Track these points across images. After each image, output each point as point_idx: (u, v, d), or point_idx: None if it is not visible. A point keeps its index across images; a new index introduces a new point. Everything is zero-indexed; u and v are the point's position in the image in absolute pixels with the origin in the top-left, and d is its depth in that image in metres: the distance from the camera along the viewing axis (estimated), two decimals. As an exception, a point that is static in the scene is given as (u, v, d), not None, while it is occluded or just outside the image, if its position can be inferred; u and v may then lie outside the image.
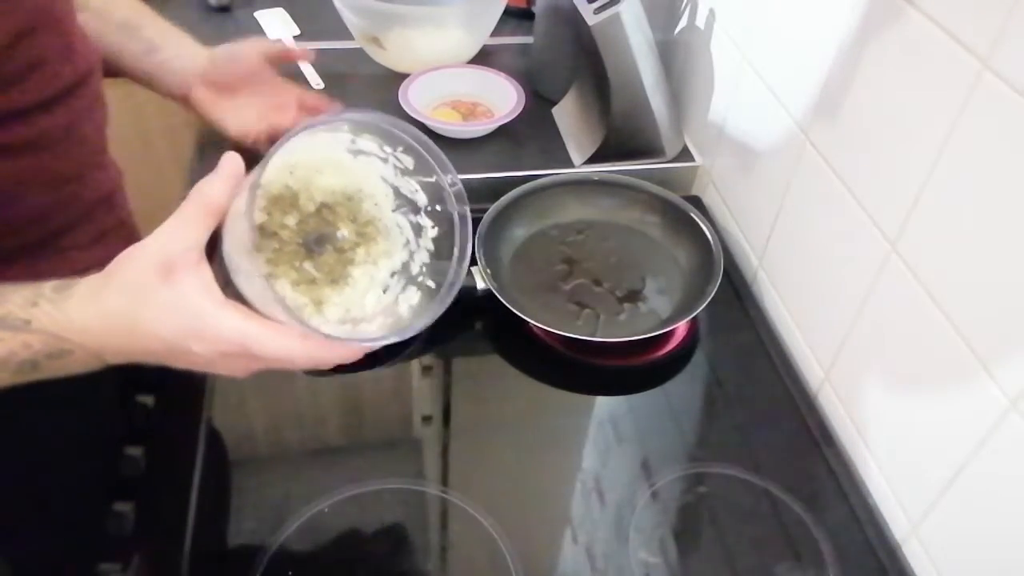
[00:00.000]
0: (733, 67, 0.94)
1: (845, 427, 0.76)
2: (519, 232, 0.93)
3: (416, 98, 1.05)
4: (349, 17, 1.13)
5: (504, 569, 0.65)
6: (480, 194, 0.98)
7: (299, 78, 1.12)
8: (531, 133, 1.07)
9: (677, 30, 1.09)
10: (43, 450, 0.82)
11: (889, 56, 0.67)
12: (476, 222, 0.88)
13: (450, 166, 0.55)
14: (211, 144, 0.96)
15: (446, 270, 0.56)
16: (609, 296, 0.87)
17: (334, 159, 0.54)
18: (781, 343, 0.86)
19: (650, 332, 0.81)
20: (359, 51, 1.17)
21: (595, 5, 0.92)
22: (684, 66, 1.07)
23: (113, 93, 0.82)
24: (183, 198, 0.96)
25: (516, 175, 0.98)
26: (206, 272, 0.50)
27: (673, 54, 1.09)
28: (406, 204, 0.57)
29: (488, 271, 0.83)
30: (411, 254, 0.58)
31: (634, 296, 0.88)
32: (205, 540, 0.65)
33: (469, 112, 1.08)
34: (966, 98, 0.58)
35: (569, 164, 1.03)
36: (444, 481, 0.71)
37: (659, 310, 0.86)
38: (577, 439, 0.77)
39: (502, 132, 1.05)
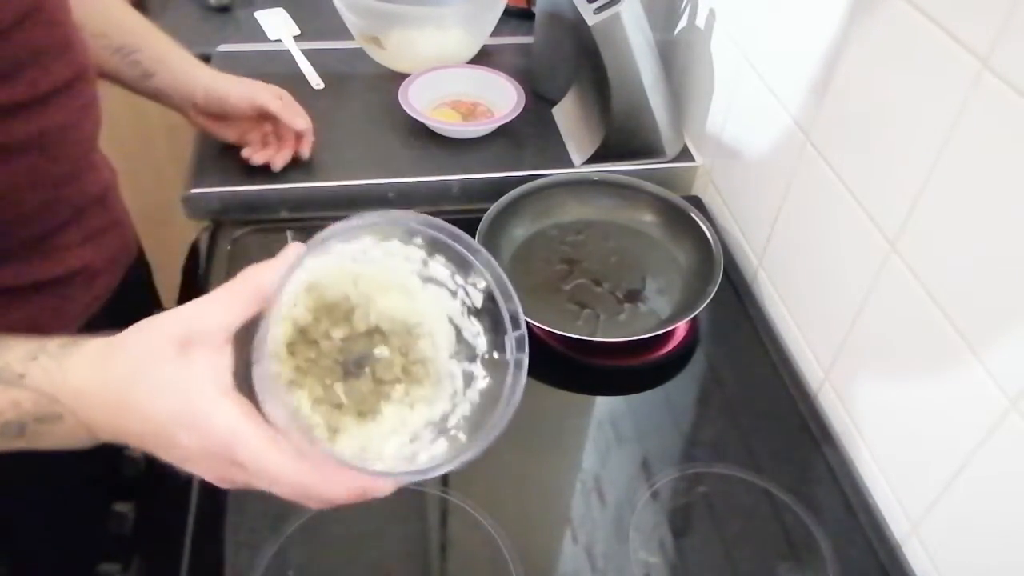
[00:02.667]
0: (733, 67, 0.94)
1: (845, 427, 0.76)
2: (519, 232, 0.93)
3: (416, 98, 1.05)
4: (349, 17, 1.13)
5: (504, 569, 0.65)
6: (480, 194, 0.98)
7: (299, 79, 1.12)
8: (531, 133, 1.07)
9: (677, 30, 1.09)
10: (43, 450, 0.82)
11: (889, 56, 0.67)
12: (476, 222, 0.88)
13: (518, 305, 0.49)
14: (210, 145, 0.97)
15: (483, 421, 0.49)
16: (609, 296, 0.87)
17: (403, 282, 0.49)
18: (781, 343, 0.86)
19: (650, 332, 0.81)
20: (359, 51, 1.17)
21: (595, 5, 0.92)
22: (684, 66, 1.07)
23: (113, 93, 0.83)
24: (183, 198, 0.96)
25: (516, 175, 0.98)
26: (223, 359, 0.46)
27: (673, 54, 1.09)
28: (464, 350, 0.51)
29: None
30: (454, 406, 0.50)
31: (634, 296, 0.88)
32: (205, 540, 0.65)
33: (469, 112, 1.08)
34: (966, 98, 0.58)
35: (569, 164, 1.03)
36: (444, 481, 0.71)
37: (659, 310, 0.86)
38: (577, 439, 0.77)
39: (502, 132, 1.05)
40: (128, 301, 0.82)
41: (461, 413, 0.50)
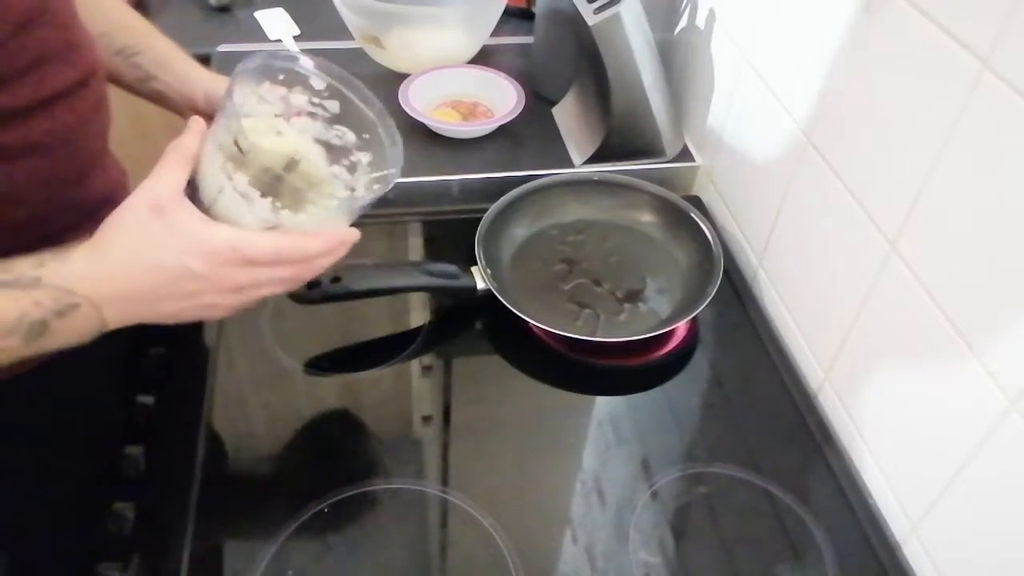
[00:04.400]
0: (733, 67, 0.94)
1: (845, 427, 0.76)
2: (519, 232, 0.93)
3: (416, 98, 1.05)
4: (349, 17, 1.13)
5: (504, 569, 0.65)
6: (480, 194, 0.98)
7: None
8: (531, 133, 1.07)
9: (677, 30, 1.09)
10: (44, 450, 0.82)
11: (889, 56, 0.67)
12: (476, 222, 0.88)
13: (360, 85, 0.66)
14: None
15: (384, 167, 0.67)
16: (609, 296, 0.87)
17: (273, 124, 0.65)
18: (781, 343, 0.86)
19: (650, 332, 0.81)
20: (359, 51, 1.17)
21: (595, 5, 0.92)
22: (684, 66, 1.07)
23: (113, 92, 0.82)
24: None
25: (516, 175, 0.98)
26: (190, 204, 0.57)
27: (673, 54, 1.09)
28: (340, 152, 0.67)
29: (488, 271, 0.83)
30: (352, 188, 0.67)
31: (634, 296, 0.88)
32: (205, 540, 0.65)
33: (469, 112, 1.08)
34: (966, 98, 0.58)
35: (569, 164, 1.03)
36: (444, 481, 0.71)
37: (659, 310, 0.86)
38: (577, 439, 0.77)
39: (502, 132, 1.05)
40: None
41: (364, 183, 0.66)
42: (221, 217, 0.58)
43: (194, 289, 0.57)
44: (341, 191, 0.66)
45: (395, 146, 0.66)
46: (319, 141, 0.67)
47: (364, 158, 0.68)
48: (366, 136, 0.67)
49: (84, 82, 0.66)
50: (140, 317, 0.58)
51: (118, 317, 0.57)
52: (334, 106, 0.66)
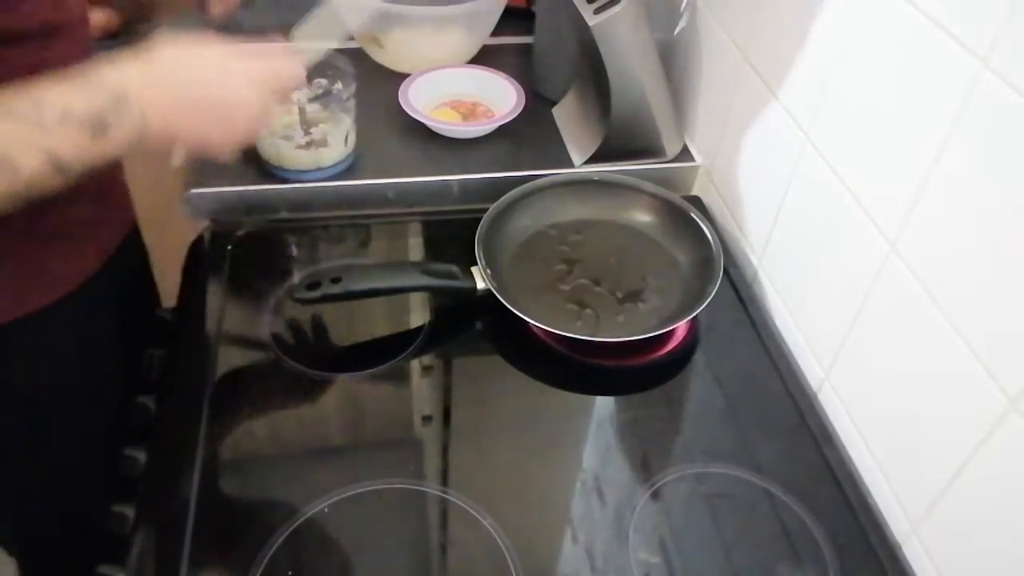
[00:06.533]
0: (733, 67, 0.94)
1: (845, 427, 0.76)
2: (519, 232, 0.93)
3: (416, 98, 1.05)
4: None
5: (504, 569, 0.65)
6: (480, 194, 0.98)
7: (299, 78, 1.12)
8: (531, 133, 1.07)
9: (677, 30, 1.09)
10: (44, 450, 0.82)
11: (889, 56, 0.67)
12: (476, 222, 0.88)
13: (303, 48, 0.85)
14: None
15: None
16: (609, 296, 0.87)
17: (284, 109, 0.91)
18: (781, 343, 0.86)
19: (650, 332, 0.81)
20: (359, 51, 1.17)
21: (595, 5, 0.92)
22: (684, 66, 1.07)
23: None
24: (183, 198, 0.97)
25: (516, 175, 0.98)
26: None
27: (673, 54, 1.09)
28: (324, 98, 0.95)
29: (488, 271, 0.83)
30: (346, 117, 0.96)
31: (634, 296, 0.88)
32: (205, 540, 0.65)
33: (469, 112, 1.08)
34: (966, 98, 0.58)
35: (569, 164, 1.03)
36: (444, 481, 0.71)
37: (659, 310, 0.86)
38: (577, 439, 0.77)
39: (502, 132, 1.05)
40: (121, 268, 0.85)
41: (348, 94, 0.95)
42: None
43: (240, 80, 0.67)
44: (345, 120, 0.96)
45: (347, 63, 0.95)
46: (311, 99, 0.94)
47: (337, 86, 0.96)
48: (331, 73, 0.96)
49: (83, 19, 0.71)
50: (179, 117, 0.65)
51: (159, 115, 0.63)
52: (307, 91, 0.95)
